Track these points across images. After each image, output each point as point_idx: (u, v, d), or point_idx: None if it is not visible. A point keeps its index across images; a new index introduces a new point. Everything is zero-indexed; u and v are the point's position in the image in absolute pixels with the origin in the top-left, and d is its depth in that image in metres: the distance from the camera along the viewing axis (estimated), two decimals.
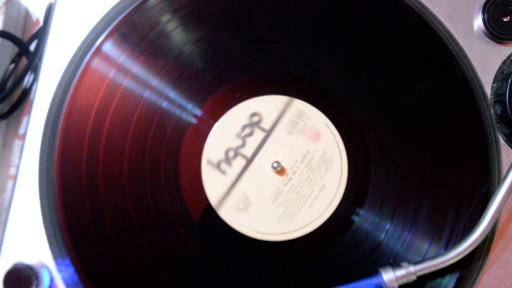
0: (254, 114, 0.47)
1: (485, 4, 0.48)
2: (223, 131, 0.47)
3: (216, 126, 0.47)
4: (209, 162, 0.46)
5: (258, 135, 0.47)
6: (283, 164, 0.46)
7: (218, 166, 0.46)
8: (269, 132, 0.47)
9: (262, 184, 0.46)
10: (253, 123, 0.47)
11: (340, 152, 0.47)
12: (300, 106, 0.47)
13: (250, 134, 0.47)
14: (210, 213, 0.46)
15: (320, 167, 0.47)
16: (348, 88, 0.48)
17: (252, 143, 0.47)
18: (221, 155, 0.46)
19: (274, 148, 0.47)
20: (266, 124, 0.47)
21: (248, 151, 0.47)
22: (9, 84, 0.54)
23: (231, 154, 0.47)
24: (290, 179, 0.47)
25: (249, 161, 0.47)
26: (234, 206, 0.46)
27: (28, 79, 0.54)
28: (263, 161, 0.47)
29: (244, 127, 0.47)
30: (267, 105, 0.47)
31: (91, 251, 0.44)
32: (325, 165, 0.47)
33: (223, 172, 0.46)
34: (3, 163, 0.56)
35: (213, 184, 0.46)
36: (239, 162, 0.47)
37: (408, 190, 0.46)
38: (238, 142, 0.47)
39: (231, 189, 0.46)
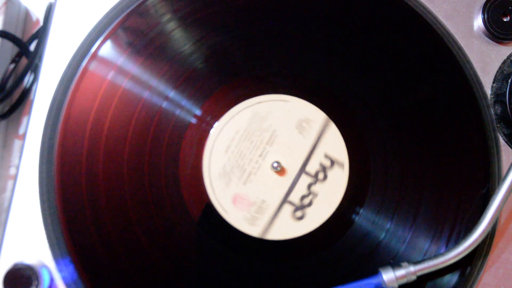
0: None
1: (485, 4, 0.48)
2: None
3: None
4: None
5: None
6: (283, 164, 0.46)
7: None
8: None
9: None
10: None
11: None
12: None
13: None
14: (208, 210, 0.46)
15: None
16: (348, 87, 0.48)
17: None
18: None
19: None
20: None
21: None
22: (9, 84, 0.54)
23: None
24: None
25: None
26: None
27: (28, 79, 0.54)
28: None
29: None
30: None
31: (91, 251, 0.44)
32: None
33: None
34: (3, 163, 0.56)
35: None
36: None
37: (408, 190, 0.46)
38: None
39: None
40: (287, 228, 0.46)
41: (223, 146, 0.47)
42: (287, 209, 0.46)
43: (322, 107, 0.47)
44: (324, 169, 0.47)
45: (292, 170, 0.47)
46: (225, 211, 0.46)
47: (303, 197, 0.46)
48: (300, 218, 0.46)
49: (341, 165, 0.47)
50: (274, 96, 0.47)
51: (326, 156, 0.47)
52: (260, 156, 0.47)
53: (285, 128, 0.47)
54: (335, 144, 0.47)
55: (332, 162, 0.47)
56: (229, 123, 0.47)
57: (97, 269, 0.45)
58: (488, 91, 0.48)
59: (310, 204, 0.46)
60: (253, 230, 0.46)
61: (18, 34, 0.56)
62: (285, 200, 0.46)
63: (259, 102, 0.47)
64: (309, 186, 0.46)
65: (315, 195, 0.46)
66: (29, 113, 0.47)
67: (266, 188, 0.46)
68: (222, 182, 0.46)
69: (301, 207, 0.46)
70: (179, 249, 0.45)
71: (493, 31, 0.48)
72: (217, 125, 0.47)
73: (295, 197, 0.46)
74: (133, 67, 0.46)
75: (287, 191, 0.46)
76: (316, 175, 0.46)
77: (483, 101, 0.48)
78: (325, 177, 0.46)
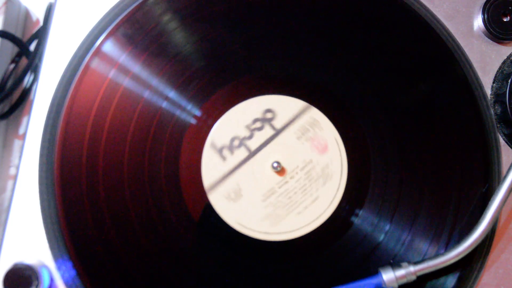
0: (268, 111, 0.47)
1: (485, 4, 0.48)
2: (234, 118, 0.47)
3: (229, 112, 0.47)
4: (213, 145, 0.46)
5: (267, 131, 0.47)
6: (284, 165, 0.46)
7: (220, 151, 0.46)
8: (278, 132, 0.47)
9: (258, 180, 0.46)
10: (266, 119, 0.47)
11: (342, 163, 0.47)
12: (314, 114, 0.47)
13: (260, 128, 0.47)
14: (210, 213, 0.46)
15: (319, 179, 0.47)
16: (347, 88, 0.48)
17: (260, 137, 0.47)
18: (226, 142, 0.46)
19: (279, 148, 0.47)
20: (278, 123, 0.47)
21: (253, 144, 0.47)
22: (9, 84, 0.54)
23: (236, 142, 0.47)
24: (286, 182, 0.47)
25: (252, 154, 0.47)
26: (225, 194, 0.46)
27: (28, 79, 0.54)
28: (264, 158, 0.47)
29: (255, 120, 0.47)
30: (284, 105, 0.47)
31: (91, 251, 0.44)
32: (324, 179, 0.47)
33: (224, 158, 0.46)
34: (3, 163, 0.56)
35: (211, 168, 0.46)
36: (242, 153, 0.46)
37: (408, 190, 0.46)
38: (246, 133, 0.47)
39: (227, 176, 0.46)
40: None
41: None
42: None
43: (323, 108, 0.47)
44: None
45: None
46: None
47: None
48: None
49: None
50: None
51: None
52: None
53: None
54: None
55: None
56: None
57: (97, 269, 0.45)
58: (488, 91, 0.48)
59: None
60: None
61: (18, 34, 0.56)
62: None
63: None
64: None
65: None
66: (29, 113, 0.47)
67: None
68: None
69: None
70: (179, 249, 0.45)
71: (493, 31, 0.48)
72: (230, 112, 0.47)
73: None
74: (134, 67, 0.46)
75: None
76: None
77: (483, 101, 0.48)
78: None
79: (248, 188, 0.46)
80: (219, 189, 0.46)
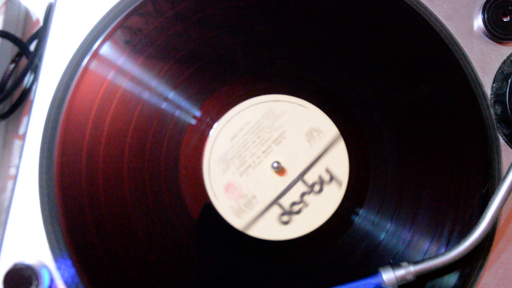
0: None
1: (485, 4, 0.48)
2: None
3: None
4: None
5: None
6: (284, 166, 0.46)
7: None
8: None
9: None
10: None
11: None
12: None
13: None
14: (208, 210, 0.46)
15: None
16: (347, 87, 0.48)
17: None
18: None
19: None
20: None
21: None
22: (9, 84, 0.54)
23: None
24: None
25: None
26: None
27: (28, 79, 0.54)
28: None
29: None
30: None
31: (91, 251, 0.44)
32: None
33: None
34: (3, 163, 0.56)
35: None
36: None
37: (408, 190, 0.46)
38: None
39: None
40: (270, 229, 0.46)
41: (230, 134, 0.46)
42: (275, 211, 0.46)
43: (324, 109, 0.47)
44: (321, 182, 0.46)
45: (290, 174, 0.47)
46: (215, 197, 0.46)
47: (293, 204, 0.46)
48: (285, 223, 0.46)
49: (340, 183, 0.47)
50: (293, 98, 0.47)
51: (327, 171, 0.47)
52: (263, 152, 0.47)
53: (295, 132, 0.47)
54: (339, 161, 0.47)
55: (331, 178, 0.47)
56: (241, 113, 0.47)
57: (97, 269, 0.45)
58: (488, 91, 0.48)
59: (298, 212, 0.46)
60: (237, 221, 0.46)
61: (18, 34, 0.56)
62: (275, 201, 0.46)
63: (276, 100, 0.47)
64: (303, 194, 0.46)
65: (306, 205, 0.46)
66: (29, 113, 0.47)
67: (261, 185, 0.46)
68: (220, 168, 0.46)
69: (289, 213, 0.46)
70: (178, 249, 0.45)
71: (493, 31, 0.48)
72: (217, 126, 0.47)
73: (286, 202, 0.46)
74: (133, 67, 0.46)
75: (280, 194, 0.46)
76: (312, 186, 0.46)
77: (483, 101, 0.48)
78: (320, 190, 0.46)
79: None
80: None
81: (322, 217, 0.46)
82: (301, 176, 0.46)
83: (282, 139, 0.47)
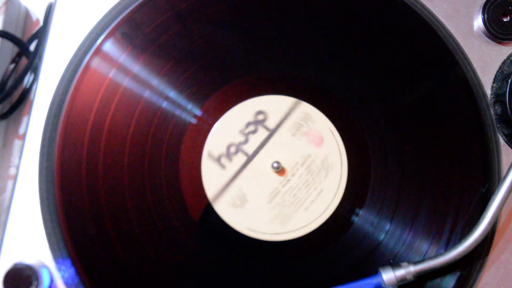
0: (259, 112, 0.47)
1: (485, 4, 0.48)
2: (227, 125, 0.47)
3: (221, 120, 0.47)
4: (210, 155, 0.46)
5: (262, 133, 0.47)
6: (283, 164, 0.46)
7: (218, 160, 0.46)
8: (272, 132, 0.47)
9: (260, 183, 0.46)
10: (258, 121, 0.47)
11: (340, 154, 0.47)
12: (306, 109, 0.47)
13: (254, 131, 0.47)
14: (208, 210, 0.46)
15: (320, 172, 0.47)
16: (347, 87, 0.48)
17: (255, 140, 0.47)
18: (223, 150, 0.46)
19: (276, 148, 0.47)
20: (271, 123, 0.47)
21: (250, 148, 0.47)
22: (9, 84, 0.54)
23: (232, 149, 0.47)
24: (289, 180, 0.47)
25: (250, 158, 0.47)
26: (230, 201, 0.46)
27: (28, 79, 0.54)
28: (263, 160, 0.47)
29: (248, 124, 0.47)
30: (274, 104, 0.47)
31: (91, 251, 0.44)
32: (325, 170, 0.47)
33: (223, 167, 0.46)
34: (3, 163, 0.56)
35: (212, 178, 0.46)
36: (240, 158, 0.46)
37: (408, 190, 0.46)
38: (241, 138, 0.47)
39: (229, 184, 0.46)
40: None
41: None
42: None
43: (324, 107, 0.47)
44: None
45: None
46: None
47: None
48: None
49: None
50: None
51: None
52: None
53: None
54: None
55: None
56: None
57: (97, 269, 0.45)
58: (488, 91, 0.48)
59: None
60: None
61: (18, 34, 0.56)
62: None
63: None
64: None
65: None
66: (29, 113, 0.47)
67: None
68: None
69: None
70: (179, 249, 0.45)
71: (493, 31, 0.48)
72: (222, 120, 0.47)
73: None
74: (134, 67, 0.46)
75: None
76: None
77: (483, 101, 0.48)
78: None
79: (252, 192, 0.46)
80: (223, 198, 0.46)
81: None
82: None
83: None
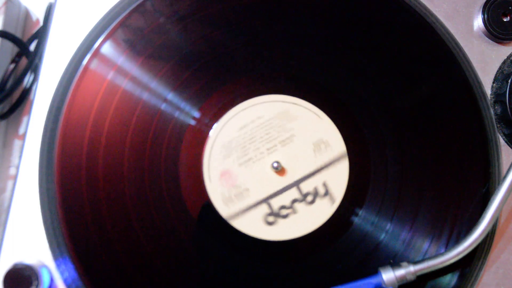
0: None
1: (485, 4, 0.48)
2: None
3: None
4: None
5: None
6: (283, 164, 0.46)
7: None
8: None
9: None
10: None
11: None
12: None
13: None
14: (209, 212, 0.46)
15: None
16: (347, 87, 0.48)
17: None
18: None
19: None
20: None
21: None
22: (9, 84, 0.54)
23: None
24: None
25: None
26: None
27: (28, 79, 0.54)
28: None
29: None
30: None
31: (91, 250, 0.44)
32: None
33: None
34: (3, 163, 0.56)
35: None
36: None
37: (408, 190, 0.46)
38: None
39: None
40: (254, 226, 0.46)
41: (240, 123, 0.47)
42: (263, 209, 0.46)
43: (324, 109, 0.47)
44: (315, 194, 0.46)
45: (288, 178, 0.47)
46: (209, 179, 0.46)
47: (282, 207, 0.46)
48: (270, 223, 0.46)
49: (333, 200, 0.46)
50: (308, 104, 0.47)
51: (324, 185, 0.47)
52: (267, 149, 0.47)
53: (304, 139, 0.47)
54: (338, 179, 0.47)
55: (326, 193, 0.46)
56: (256, 107, 0.47)
57: (97, 269, 0.45)
58: (488, 91, 0.48)
59: (285, 216, 0.46)
60: (224, 209, 0.46)
61: (18, 34, 0.56)
62: (266, 200, 0.46)
63: (294, 103, 0.47)
64: (294, 201, 0.46)
65: (294, 212, 0.46)
66: (29, 113, 0.47)
67: (256, 180, 0.46)
68: (221, 154, 0.46)
69: (276, 215, 0.46)
70: (179, 249, 0.45)
71: (493, 31, 0.48)
72: (216, 126, 0.47)
73: (276, 203, 0.46)
74: (133, 67, 0.46)
75: (273, 194, 0.46)
76: (305, 195, 0.46)
77: (483, 101, 0.48)
78: (312, 202, 0.46)
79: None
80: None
81: (305, 230, 0.46)
82: (297, 183, 0.46)
83: (289, 142, 0.47)
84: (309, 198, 0.46)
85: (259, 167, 0.46)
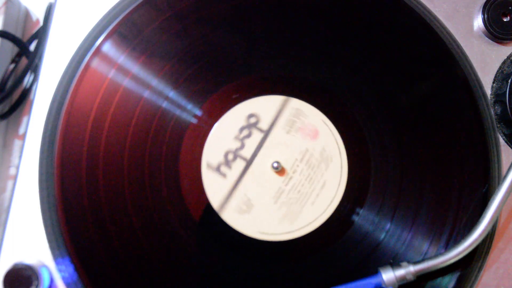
0: (251, 115, 0.47)
1: (485, 4, 0.48)
2: (221, 133, 0.47)
3: (214, 128, 0.47)
4: (209, 166, 0.46)
5: (256, 136, 0.47)
6: (283, 163, 0.46)
7: (218, 169, 0.46)
8: (267, 133, 0.47)
9: (263, 185, 0.46)
10: (251, 124, 0.47)
11: (339, 148, 0.47)
12: (296, 105, 0.47)
13: (248, 135, 0.47)
14: (211, 213, 0.46)
15: (320, 165, 0.47)
16: (348, 87, 0.48)
17: (251, 144, 0.47)
18: (221, 158, 0.46)
19: (273, 148, 0.47)
20: (264, 124, 0.47)
21: (247, 152, 0.47)
22: (9, 84, 0.54)
23: (230, 156, 0.47)
24: (291, 178, 0.47)
25: (249, 162, 0.47)
26: (237, 208, 0.46)
27: (28, 79, 0.54)
28: (262, 162, 0.47)
29: (242, 129, 0.47)
30: (264, 105, 0.47)
31: (91, 251, 0.44)
32: (325, 162, 0.47)
33: (224, 175, 0.46)
34: (3, 163, 0.56)
35: (214, 188, 0.46)
36: (239, 164, 0.46)
37: (408, 190, 0.46)
38: (237, 144, 0.47)
39: (233, 191, 0.46)
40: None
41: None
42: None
43: (319, 105, 0.47)
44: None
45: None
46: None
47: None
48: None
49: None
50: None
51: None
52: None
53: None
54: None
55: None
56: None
57: (97, 269, 0.45)
58: (488, 91, 0.48)
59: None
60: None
61: (18, 34, 0.56)
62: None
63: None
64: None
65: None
66: (29, 113, 0.47)
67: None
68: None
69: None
70: (179, 249, 0.45)
71: (493, 31, 0.48)
72: (214, 128, 0.47)
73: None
74: (134, 67, 0.46)
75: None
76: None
77: (483, 101, 0.48)
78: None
79: (257, 195, 0.46)
80: (229, 206, 0.46)
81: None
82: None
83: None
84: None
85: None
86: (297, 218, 0.46)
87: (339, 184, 0.47)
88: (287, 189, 0.46)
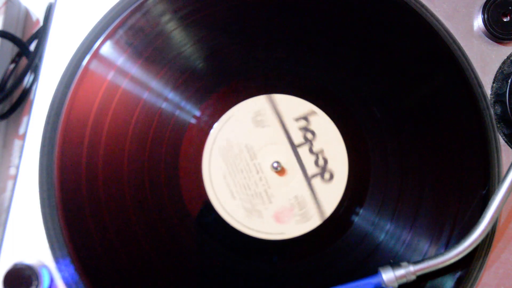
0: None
1: (485, 4, 0.48)
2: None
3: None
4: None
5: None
6: (283, 163, 0.46)
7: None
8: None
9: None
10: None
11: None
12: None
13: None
14: (211, 213, 0.46)
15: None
16: (348, 87, 0.48)
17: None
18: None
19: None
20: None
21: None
22: (9, 84, 0.54)
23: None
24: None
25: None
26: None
27: (28, 79, 0.54)
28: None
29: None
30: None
31: (91, 251, 0.44)
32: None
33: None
34: (3, 163, 0.56)
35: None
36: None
37: (408, 190, 0.46)
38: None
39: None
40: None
41: (240, 123, 0.47)
42: (316, 181, 0.46)
43: (323, 108, 0.48)
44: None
45: (288, 178, 0.47)
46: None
47: (316, 162, 0.46)
48: (331, 178, 0.46)
49: (341, 164, 0.47)
50: (308, 104, 0.47)
51: (323, 157, 0.47)
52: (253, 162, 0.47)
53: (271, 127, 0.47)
54: (338, 179, 0.47)
55: (332, 161, 0.47)
56: (255, 107, 0.47)
57: (97, 269, 0.45)
58: (488, 91, 0.48)
59: (325, 163, 0.46)
60: (307, 225, 0.46)
61: (18, 34, 0.56)
62: (307, 178, 0.46)
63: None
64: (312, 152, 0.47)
65: (323, 156, 0.47)
66: (29, 113, 0.47)
67: (285, 185, 0.47)
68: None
69: (323, 170, 0.46)
70: (179, 249, 0.45)
71: (493, 31, 0.48)
72: (216, 126, 0.47)
73: (311, 169, 0.46)
74: (133, 67, 0.46)
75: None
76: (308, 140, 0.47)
77: (483, 101, 0.48)
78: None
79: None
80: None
81: (323, 215, 0.46)
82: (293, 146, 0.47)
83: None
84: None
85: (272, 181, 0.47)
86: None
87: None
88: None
